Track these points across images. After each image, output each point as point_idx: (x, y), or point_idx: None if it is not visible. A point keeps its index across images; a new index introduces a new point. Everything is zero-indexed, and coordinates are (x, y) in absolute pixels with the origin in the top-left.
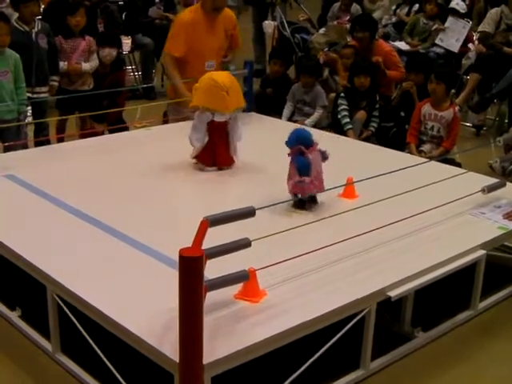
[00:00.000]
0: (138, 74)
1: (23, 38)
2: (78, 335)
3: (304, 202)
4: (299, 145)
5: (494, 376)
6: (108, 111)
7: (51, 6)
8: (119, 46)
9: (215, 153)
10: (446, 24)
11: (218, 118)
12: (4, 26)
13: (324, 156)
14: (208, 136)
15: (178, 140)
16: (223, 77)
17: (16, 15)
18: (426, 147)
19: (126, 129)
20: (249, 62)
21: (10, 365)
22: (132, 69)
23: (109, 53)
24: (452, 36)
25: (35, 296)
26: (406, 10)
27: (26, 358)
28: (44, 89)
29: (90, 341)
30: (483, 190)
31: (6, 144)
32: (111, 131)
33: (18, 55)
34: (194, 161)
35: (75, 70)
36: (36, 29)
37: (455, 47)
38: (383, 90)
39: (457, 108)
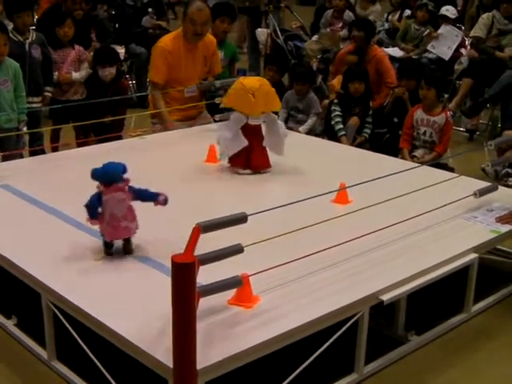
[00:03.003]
0: (132, 83)
1: (16, 48)
2: (73, 342)
3: (109, 245)
4: (101, 180)
5: (487, 379)
6: (106, 120)
7: (44, 17)
8: (118, 61)
9: (250, 156)
10: (440, 31)
11: (252, 122)
12: (2, 36)
13: (152, 198)
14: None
15: (173, 148)
16: (252, 80)
17: (11, 25)
18: (418, 152)
19: (119, 137)
20: (242, 69)
21: (6, 373)
22: (126, 78)
23: (109, 72)
24: (444, 44)
25: (31, 304)
26: (397, 15)
27: (22, 366)
28: (37, 99)
29: (85, 348)
30: (475, 194)
31: (4, 154)
32: (104, 140)
33: (17, 64)
34: (228, 164)
35: (65, 80)
36: (30, 39)
37: (446, 55)
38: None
39: (449, 113)
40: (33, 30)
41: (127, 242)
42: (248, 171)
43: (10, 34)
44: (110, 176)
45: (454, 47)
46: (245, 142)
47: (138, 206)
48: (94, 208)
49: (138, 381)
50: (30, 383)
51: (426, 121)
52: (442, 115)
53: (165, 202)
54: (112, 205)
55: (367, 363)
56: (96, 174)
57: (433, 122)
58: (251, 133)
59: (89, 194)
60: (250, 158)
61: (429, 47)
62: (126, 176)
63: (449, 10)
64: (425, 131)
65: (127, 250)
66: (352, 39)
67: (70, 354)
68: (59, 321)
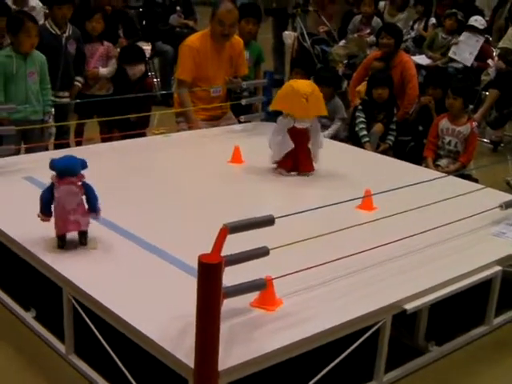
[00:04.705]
0: (157, 81)
1: (53, 41)
2: (91, 337)
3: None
4: (58, 171)
5: None
6: (131, 116)
7: (74, 11)
8: (144, 58)
9: (296, 158)
10: (460, 38)
11: (299, 125)
12: (35, 27)
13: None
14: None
15: (197, 147)
16: (304, 84)
17: (42, 20)
18: (442, 162)
19: (143, 134)
20: (268, 72)
21: (24, 365)
22: (151, 75)
23: (139, 69)
24: (465, 49)
25: (50, 297)
26: (422, 24)
27: (40, 359)
28: (67, 93)
29: (105, 344)
30: (501, 206)
31: (29, 146)
32: (129, 136)
33: (44, 56)
34: (275, 165)
35: (92, 74)
36: (67, 33)
37: (468, 61)
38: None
39: (474, 123)
40: (70, 24)
41: (82, 234)
42: (293, 173)
43: (48, 26)
44: (68, 169)
45: (476, 52)
46: (291, 145)
47: (158, 202)
48: (46, 203)
49: (157, 379)
50: (47, 376)
51: (451, 130)
52: (468, 125)
53: (95, 217)
54: (63, 197)
55: (387, 372)
56: (54, 165)
57: (458, 132)
58: (298, 136)
59: (109, 189)
60: (297, 161)
61: (450, 54)
62: (83, 172)
63: (477, 21)
64: (450, 141)
65: (82, 242)
66: (379, 46)
67: (88, 348)
68: (77, 315)
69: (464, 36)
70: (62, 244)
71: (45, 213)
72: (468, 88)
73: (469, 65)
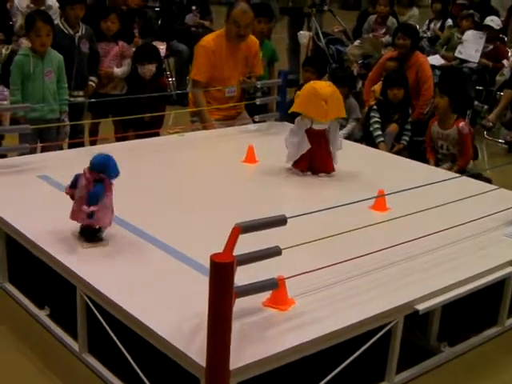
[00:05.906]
0: (172, 80)
1: (66, 40)
2: (105, 336)
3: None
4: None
5: None
6: (146, 116)
7: (89, 10)
8: (158, 58)
9: (313, 159)
10: (464, 37)
11: (316, 126)
12: (46, 27)
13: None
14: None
15: (212, 147)
16: (324, 86)
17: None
18: (442, 167)
19: (156, 134)
20: (283, 71)
21: (37, 363)
22: (166, 75)
23: (149, 69)
24: (470, 47)
25: (64, 295)
26: (439, 24)
27: (53, 358)
28: (82, 93)
29: (118, 342)
30: None
31: (44, 145)
32: (143, 136)
33: (61, 56)
34: (289, 165)
35: (106, 74)
36: (80, 33)
37: (475, 58)
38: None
39: (461, 124)
40: (83, 23)
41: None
42: (308, 174)
43: (61, 26)
44: (95, 164)
45: (481, 48)
46: (308, 146)
47: (174, 203)
48: (74, 181)
49: (169, 378)
50: (60, 375)
51: (441, 134)
52: (454, 127)
53: (88, 215)
54: (79, 188)
55: (398, 372)
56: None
57: (446, 136)
58: (315, 137)
59: (123, 188)
60: (313, 162)
61: (456, 53)
62: (113, 181)
63: (493, 21)
64: (441, 145)
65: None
66: (395, 46)
67: (101, 347)
68: (91, 313)
69: (467, 35)
70: (88, 237)
71: (70, 187)
72: (454, 86)
73: (476, 61)
